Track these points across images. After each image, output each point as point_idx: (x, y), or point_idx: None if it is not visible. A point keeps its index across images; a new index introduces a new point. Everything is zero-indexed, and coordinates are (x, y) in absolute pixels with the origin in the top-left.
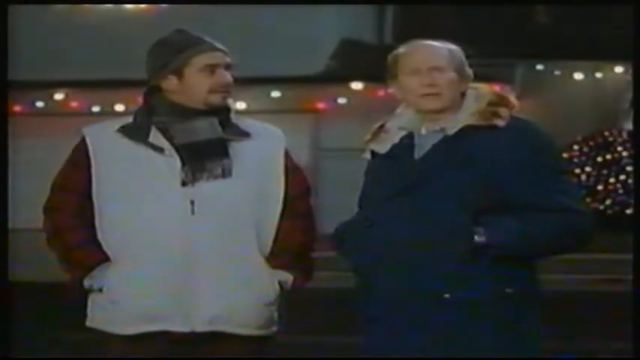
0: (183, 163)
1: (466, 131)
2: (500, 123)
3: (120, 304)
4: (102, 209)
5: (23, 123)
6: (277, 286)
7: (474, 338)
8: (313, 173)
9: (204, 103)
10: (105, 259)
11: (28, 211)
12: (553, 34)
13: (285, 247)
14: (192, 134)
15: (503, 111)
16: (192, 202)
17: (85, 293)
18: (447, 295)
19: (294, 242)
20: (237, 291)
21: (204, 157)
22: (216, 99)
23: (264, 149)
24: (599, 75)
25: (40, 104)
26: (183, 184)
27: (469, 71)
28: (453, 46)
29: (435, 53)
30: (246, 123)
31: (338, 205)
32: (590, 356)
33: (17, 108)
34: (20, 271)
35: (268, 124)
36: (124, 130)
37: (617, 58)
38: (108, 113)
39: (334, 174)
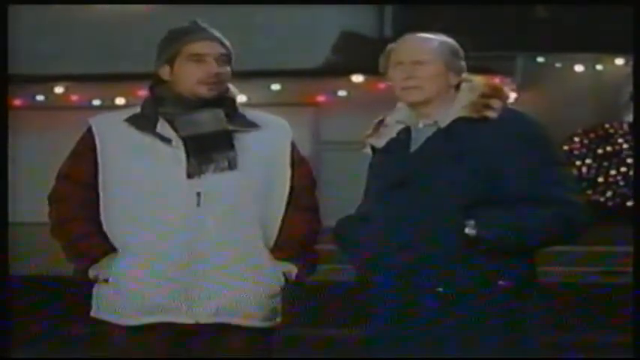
0: (188, 155)
1: (458, 124)
2: (492, 115)
3: (125, 294)
4: (107, 199)
5: (23, 117)
6: (282, 278)
7: (468, 332)
8: (314, 166)
9: (192, 94)
10: (110, 249)
11: (29, 204)
12: (553, 26)
13: (289, 239)
14: (196, 126)
15: (495, 102)
16: (198, 194)
17: (90, 282)
18: (440, 289)
19: (299, 234)
20: (243, 283)
21: (209, 149)
22: (203, 90)
23: (271, 141)
24: (599, 67)
25: (40, 98)
26: (189, 176)
27: (461, 64)
28: (445, 39)
29: (419, 46)
30: (252, 114)
31: (338, 197)
32: (590, 349)
33: (17, 102)
34: (21, 265)
35: (275, 115)
36: (132, 120)
37: (618, 50)
38: (108, 107)
39: (335, 167)
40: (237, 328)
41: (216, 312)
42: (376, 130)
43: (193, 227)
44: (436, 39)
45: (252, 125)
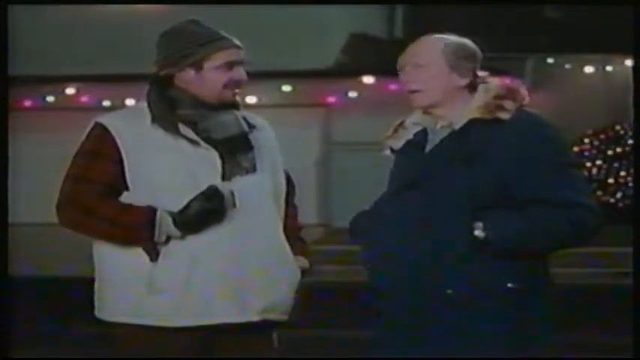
0: (222, 158)
1: (472, 125)
2: (505, 116)
3: (166, 296)
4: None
5: (34, 117)
6: (299, 272)
7: (477, 334)
8: (324, 167)
9: (217, 99)
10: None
11: (39, 205)
12: (563, 28)
13: (293, 234)
14: (225, 129)
15: (509, 104)
16: (232, 195)
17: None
18: (449, 291)
19: (297, 229)
20: (281, 279)
21: (236, 151)
22: (228, 95)
23: (269, 140)
24: (609, 68)
25: (50, 99)
26: (223, 178)
27: (469, 65)
28: (451, 40)
29: (419, 49)
30: (248, 116)
31: (348, 198)
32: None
33: (28, 103)
34: (21, 266)
35: (256, 115)
36: (158, 121)
37: (628, 52)
38: (119, 108)
39: (345, 167)
40: (269, 324)
41: (264, 309)
42: (395, 132)
43: (234, 227)
44: (440, 40)
45: (252, 127)
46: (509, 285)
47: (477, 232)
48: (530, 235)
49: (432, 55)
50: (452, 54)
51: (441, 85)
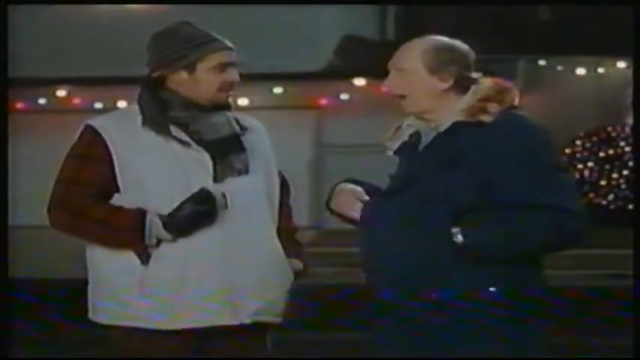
0: (213, 159)
1: (457, 128)
2: (487, 119)
3: (158, 299)
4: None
5: (26, 119)
6: (292, 274)
7: (462, 338)
8: (315, 169)
9: (210, 100)
10: (143, 211)
11: (31, 208)
12: (555, 29)
13: (288, 235)
14: (217, 131)
15: (493, 107)
16: (224, 196)
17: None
18: (433, 295)
19: (292, 230)
20: (273, 281)
21: (229, 153)
22: (222, 97)
23: (262, 142)
24: (601, 70)
25: (42, 101)
26: (215, 180)
27: (451, 68)
28: (435, 44)
29: (400, 54)
30: (239, 117)
31: None
32: (591, 351)
33: (20, 105)
34: (20, 268)
35: (250, 117)
36: (148, 123)
37: (620, 53)
38: (111, 110)
39: (336, 170)
40: (261, 326)
41: (257, 311)
42: (394, 134)
43: (226, 229)
44: (422, 44)
45: (245, 128)
46: (491, 289)
47: (457, 238)
48: (511, 240)
49: (412, 60)
50: (432, 58)
51: (423, 89)
